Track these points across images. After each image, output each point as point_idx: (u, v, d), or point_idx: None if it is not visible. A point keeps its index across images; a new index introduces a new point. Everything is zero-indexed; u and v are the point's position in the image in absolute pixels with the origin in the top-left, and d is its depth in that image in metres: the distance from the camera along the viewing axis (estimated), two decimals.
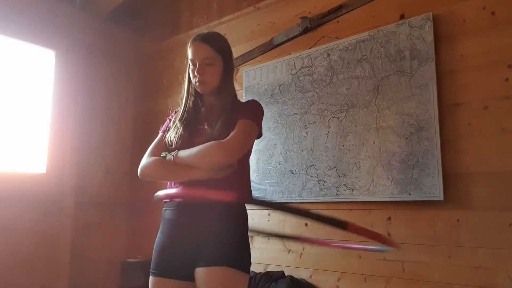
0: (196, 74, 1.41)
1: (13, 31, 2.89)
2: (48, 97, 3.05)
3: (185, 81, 1.51)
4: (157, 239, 1.40)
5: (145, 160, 1.40)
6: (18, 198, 2.77)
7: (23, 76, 2.97)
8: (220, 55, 1.43)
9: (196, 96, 1.48)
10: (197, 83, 1.42)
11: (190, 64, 1.44)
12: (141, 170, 1.39)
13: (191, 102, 1.47)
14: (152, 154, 1.41)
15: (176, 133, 1.40)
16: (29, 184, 2.88)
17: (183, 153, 1.32)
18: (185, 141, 1.37)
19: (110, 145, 3.39)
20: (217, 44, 1.44)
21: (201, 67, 1.41)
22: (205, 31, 1.50)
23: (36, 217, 2.84)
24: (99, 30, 3.39)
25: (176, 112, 1.53)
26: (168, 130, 1.47)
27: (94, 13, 3.35)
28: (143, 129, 3.43)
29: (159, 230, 1.41)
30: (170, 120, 1.52)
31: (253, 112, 1.42)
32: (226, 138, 1.29)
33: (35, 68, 3.05)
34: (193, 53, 1.42)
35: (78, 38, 3.22)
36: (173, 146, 1.39)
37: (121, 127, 3.49)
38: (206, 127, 1.38)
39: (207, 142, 1.30)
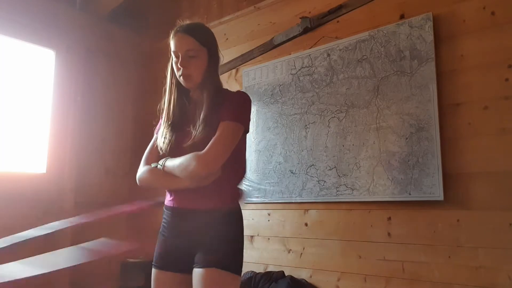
0: (179, 66, 1.37)
1: (13, 31, 2.89)
2: (48, 97, 3.05)
3: (167, 77, 1.46)
4: (159, 235, 1.45)
5: (141, 169, 1.45)
6: (18, 198, 2.77)
7: (23, 76, 2.97)
8: (205, 47, 1.39)
9: (181, 92, 1.44)
10: (181, 77, 1.39)
11: (173, 56, 1.40)
12: (139, 180, 1.44)
13: (175, 101, 1.43)
14: (147, 161, 1.45)
15: (164, 138, 1.40)
16: (29, 184, 2.88)
17: (169, 164, 1.35)
18: (173, 147, 1.38)
19: (110, 145, 3.39)
20: (201, 36, 1.39)
21: (185, 60, 1.36)
22: (188, 21, 1.44)
23: (36, 217, 2.84)
24: (99, 30, 3.39)
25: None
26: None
27: (94, 13, 3.35)
28: (143, 129, 3.43)
29: (161, 227, 1.45)
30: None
31: (238, 109, 1.37)
32: (205, 149, 1.28)
33: (35, 68, 3.05)
34: (176, 45, 1.38)
35: (78, 38, 3.22)
36: (162, 153, 1.41)
37: (121, 127, 3.49)
38: (192, 129, 1.37)
39: (193, 147, 1.32)
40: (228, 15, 3.02)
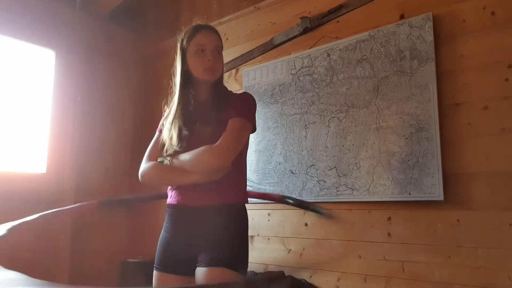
0: (209, 58, 1.39)
1: (13, 31, 2.89)
2: (48, 97, 3.05)
3: (177, 75, 1.45)
4: (160, 236, 1.43)
5: (144, 165, 1.43)
6: (18, 198, 2.76)
7: (23, 76, 2.97)
8: (222, 48, 1.47)
9: (190, 88, 1.44)
10: (207, 69, 1.39)
11: (195, 50, 1.40)
12: (141, 176, 1.42)
13: (185, 97, 1.43)
14: (150, 157, 1.44)
15: (176, 136, 1.39)
16: (29, 184, 2.88)
17: (179, 158, 1.34)
18: (184, 145, 1.37)
19: (110, 145, 3.39)
20: (220, 37, 1.49)
21: (213, 54, 1.41)
22: (202, 22, 1.50)
23: None
24: (99, 30, 3.39)
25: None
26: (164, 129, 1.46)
27: (94, 13, 3.35)
28: (143, 129, 3.43)
29: (163, 228, 1.44)
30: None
31: (245, 108, 1.41)
32: (217, 142, 1.30)
33: (35, 68, 3.05)
34: (205, 39, 1.41)
35: (78, 38, 3.22)
36: (169, 151, 1.39)
37: (121, 127, 3.49)
38: (199, 126, 1.38)
39: (201, 144, 1.32)
40: (228, 15, 3.02)
